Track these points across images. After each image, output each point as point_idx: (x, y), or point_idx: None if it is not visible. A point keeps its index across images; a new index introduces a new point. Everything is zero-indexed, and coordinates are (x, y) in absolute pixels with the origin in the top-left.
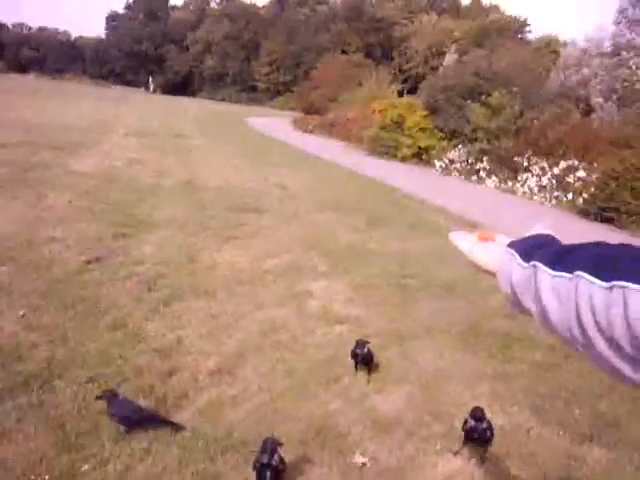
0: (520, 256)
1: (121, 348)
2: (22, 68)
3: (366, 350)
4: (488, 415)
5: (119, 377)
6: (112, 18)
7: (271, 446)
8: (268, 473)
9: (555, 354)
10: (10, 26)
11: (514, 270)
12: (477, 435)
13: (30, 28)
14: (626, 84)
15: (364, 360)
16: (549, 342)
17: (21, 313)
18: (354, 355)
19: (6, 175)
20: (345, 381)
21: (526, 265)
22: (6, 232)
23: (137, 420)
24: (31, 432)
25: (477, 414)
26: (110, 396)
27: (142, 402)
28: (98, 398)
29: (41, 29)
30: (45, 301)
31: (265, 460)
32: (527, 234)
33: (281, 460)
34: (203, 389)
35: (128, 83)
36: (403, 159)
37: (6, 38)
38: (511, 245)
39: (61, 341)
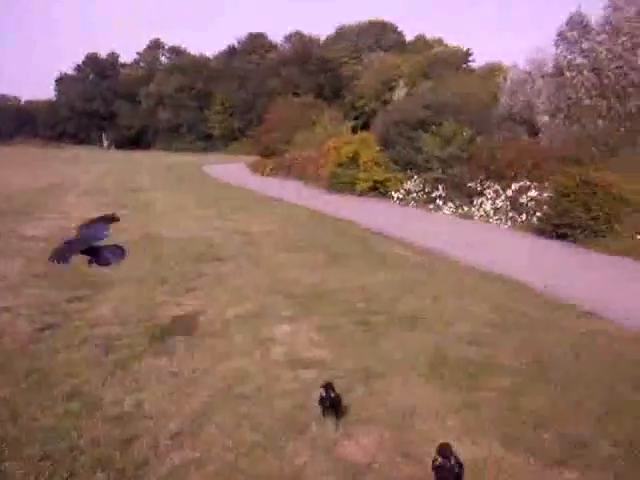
0: None
1: (76, 419)
2: None
3: (333, 394)
4: (457, 449)
5: (75, 451)
6: (62, 80)
7: None
8: None
9: (521, 378)
10: None
11: None
12: (447, 472)
13: None
14: (570, 101)
15: (332, 405)
16: (515, 366)
17: None
18: (321, 400)
19: None
20: (314, 429)
21: None
22: None
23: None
24: None
25: (444, 451)
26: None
27: (100, 475)
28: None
29: None
30: None
31: None
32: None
33: None
34: (165, 455)
35: (81, 142)
36: (361, 193)
37: None
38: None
39: (12, 418)
